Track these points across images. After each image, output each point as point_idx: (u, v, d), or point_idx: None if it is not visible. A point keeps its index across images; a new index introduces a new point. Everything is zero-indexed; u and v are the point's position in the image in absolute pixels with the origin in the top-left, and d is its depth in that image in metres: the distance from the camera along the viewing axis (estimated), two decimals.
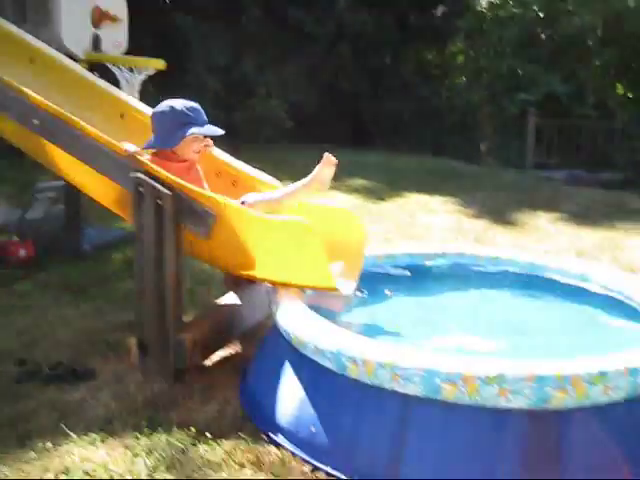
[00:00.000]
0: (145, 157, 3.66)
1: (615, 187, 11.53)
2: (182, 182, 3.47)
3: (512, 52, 16.83)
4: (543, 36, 16.71)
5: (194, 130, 3.71)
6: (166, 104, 3.77)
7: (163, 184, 3.44)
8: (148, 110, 4.28)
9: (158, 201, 3.42)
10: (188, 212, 3.44)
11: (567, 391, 2.53)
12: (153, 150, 3.81)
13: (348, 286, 3.56)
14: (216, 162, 4.18)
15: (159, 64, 7.49)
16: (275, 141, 13.60)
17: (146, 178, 3.46)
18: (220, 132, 3.77)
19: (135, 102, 4.65)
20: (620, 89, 17.18)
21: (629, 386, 2.63)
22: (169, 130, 3.72)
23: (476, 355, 3.02)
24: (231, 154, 4.30)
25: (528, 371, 2.53)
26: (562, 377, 2.52)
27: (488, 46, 17.65)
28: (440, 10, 19.17)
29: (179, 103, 3.75)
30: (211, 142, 3.95)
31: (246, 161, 4.29)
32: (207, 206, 3.42)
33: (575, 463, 2.63)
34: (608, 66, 16.41)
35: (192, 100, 3.80)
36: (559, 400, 2.54)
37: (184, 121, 3.71)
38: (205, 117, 3.79)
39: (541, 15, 16.59)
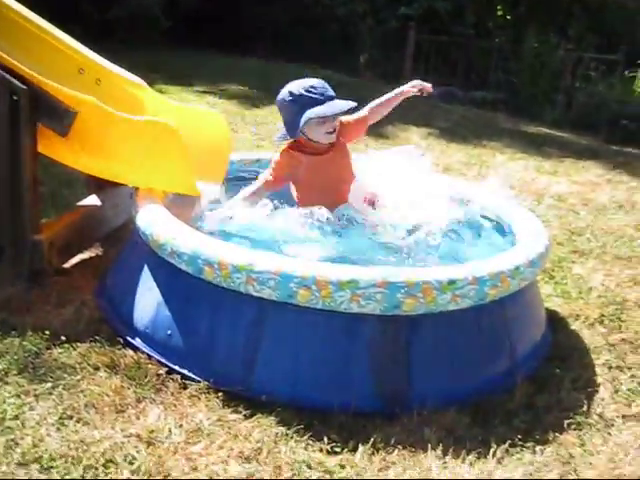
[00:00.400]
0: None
1: (488, 106, 11.81)
2: (40, 77, 3.29)
3: None
4: None
5: (308, 114, 3.34)
6: (285, 89, 3.47)
7: (19, 77, 3.25)
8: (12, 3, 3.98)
9: (13, 96, 3.24)
10: (46, 109, 3.27)
11: (417, 298, 2.63)
12: (288, 143, 3.57)
13: (211, 189, 3.52)
14: (80, 58, 3.98)
15: None
16: (151, 42, 13.09)
17: (0, 71, 3.26)
18: (342, 107, 3.39)
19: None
20: (499, 10, 17.41)
21: (476, 294, 2.75)
22: (292, 118, 3.42)
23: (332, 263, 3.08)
24: (106, 55, 4.10)
25: (380, 277, 2.60)
26: (413, 284, 2.61)
27: None
28: None
29: (297, 85, 3.43)
30: (335, 124, 3.48)
31: (121, 62, 4.12)
32: (67, 104, 3.26)
33: (423, 367, 2.77)
34: None
35: None
36: (409, 306, 2.64)
37: (304, 103, 3.36)
38: (330, 92, 3.43)
39: None
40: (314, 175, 3.51)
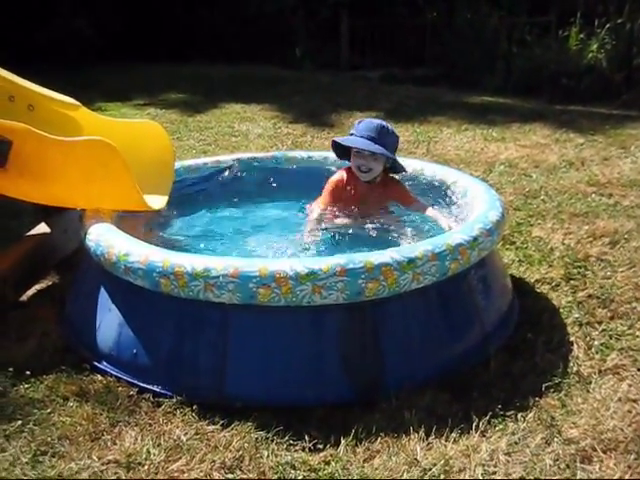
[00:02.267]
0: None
1: (428, 82, 11.82)
2: None
3: None
4: None
5: (334, 139, 3.84)
6: None
7: None
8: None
9: None
10: None
11: (379, 281, 2.60)
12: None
13: (159, 201, 3.47)
14: (8, 85, 3.88)
15: None
16: (84, 62, 12.91)
17: None
18: (353, 142, 3.64)
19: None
20: None
21: (437, 270, 2.74)
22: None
23: (287, 257, 3.06)
24: (37, 79, 4.00)
25: (338, 265, 2.57)
26: (372, 268, 2.59)
27: None
28: None
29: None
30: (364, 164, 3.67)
31: (54, 85, 4.03)
32: (0, 134, 3.18)
33: (394, 351, 2.75)
34: None
35: None
36: (372, 291, 2.61)
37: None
38: (364, 130, 3.61)
39: None
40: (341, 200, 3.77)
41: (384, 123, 3.67)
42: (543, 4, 14.14)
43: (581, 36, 12.13)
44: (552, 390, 2.73)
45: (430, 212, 3.67)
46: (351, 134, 3.68)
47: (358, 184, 3.74)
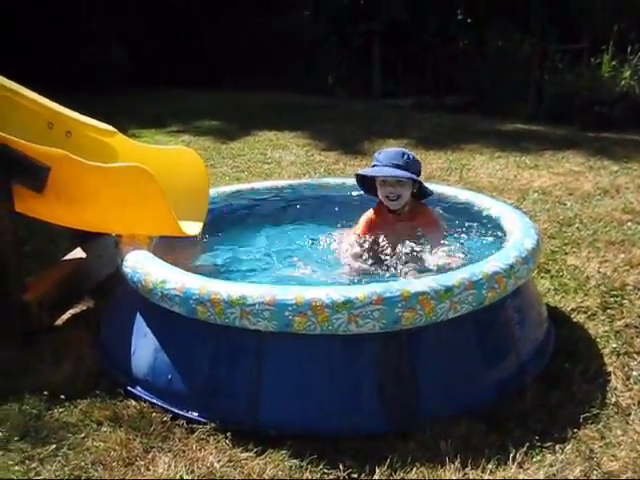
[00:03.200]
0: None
1: (460, 110, 11.81)
2: (9, 137, 3.24)
3: None
4: None
5: (358, 172, 3.84)
6: None
7: None
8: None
9: None
10: (18, 168, 3.23)
11: (415, 310, 2.58)
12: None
13: (195, 227, 3.48)
14: (47, 113, 3.95)
15: None
16: (118, 88, 13.09)
17: None
18: (379, 172, 3.60)
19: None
20: (460, 15, 17.52)
21: (474, 299, 2.71)
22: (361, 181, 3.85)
23: (322, 285, 3.05)
24: (73, 106, 4.06)
25: (375, 294, 2.55)
26: (409, 297, 2.57)
27: None
28: None
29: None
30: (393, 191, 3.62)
31: (90, 112, 4.08)
32: (38, 159, 3.22)
33: (431, 380, 2.72)
34: None
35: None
36: (409, 320, 2.59)
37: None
38: (386, 159, 3.60)
39: None
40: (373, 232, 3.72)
41: (405, 150, 3.68)
42: (575, 31, 14.12)
43: (613, 63, 12.09)
44: (590, 421, 2.68)
45: (436, 254, 3.55)
46: (373, 165, 3.67)
47: (388, 217, 3.72)
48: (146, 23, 14.99)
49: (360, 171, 3.86)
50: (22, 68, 7.87)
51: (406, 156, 3.60)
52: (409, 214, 3.71)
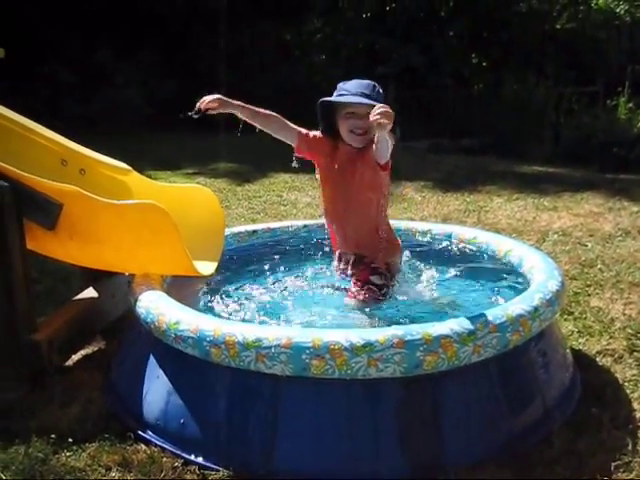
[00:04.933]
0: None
1: (476, 153, 11.81)
2: (21, 173, 3.20)
3: (368, 27, 16.96)
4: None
5: (323, 99, 3.37)
6: None
7: (0, 175, 3.17)
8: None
9: None
10: (30, 204, 3.18)
11: (437, 354, 2.48)
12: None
13: (209, 267, 3.41)
14: (61, 150, 3.92)
15: None
16: (135, 129, 13.18)
17: None
18: (358, 101, 3.20)
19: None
20: (474, 58, 17.64)
21: (498, 342, 2.61)
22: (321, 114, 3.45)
23: (339, 328, 2.95)
24: (90, 146, 4.04)
25: (396, 337, 2.46)
26: (431, 340, 2.47)
27: (344, 23, 17.72)
28: None
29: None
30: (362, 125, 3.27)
31: (106, 151, 4.05)
32: (51, 196, 3.17)
33: (454, 426, 2.61)
34: (462, 36, 16.78)
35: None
36: (431, 364, 2.49)
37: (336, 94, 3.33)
38: (356, 88, 3.26)
39: None
40: (330, 171, 3.47)
41: (374, 82, 3.32)
42: (590, 74, 14.16)
43: (630, 105, 12.08)
44: (622, 470, 2.56)
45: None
46: (340, 95, 3.29)
47: (345, 155, 3.42)
48: (164, 66, 15.15)
49: (327, 98, 3.36)
50: (37, 107, 7.92)
51: (377, 88, 3.28)
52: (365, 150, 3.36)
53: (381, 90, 3.32)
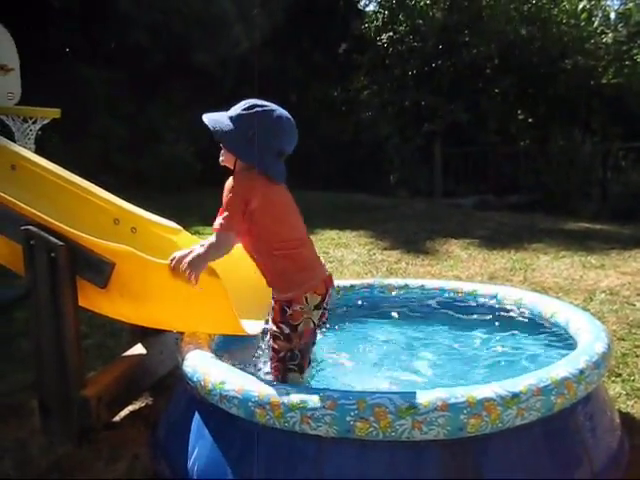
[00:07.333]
0: None
1: (523, 209, 11.78)
2: (76, 232, 3.31)
3: (415, 85, 17.16)
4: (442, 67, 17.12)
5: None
6: None
7: (55, 235, 3.28)
8: (41, 160, 4.14)
9: (51, 254, 3.26)
10: (83, 263, 3.28)
11: (481, 417, 2.48)
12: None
13: (256, 326, 3.45)
14: (114, 209, 4.05)
15: (54, 113, 7.31)
16: (185, 186, 13.42)
17: (37, 230, 3.29)
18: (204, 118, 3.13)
19: (27, 152, 4.44)
20: (520, 114, 17.68)
21: (542, 405, 2.60)
22: None
23: (389, 387, 2.97)
24: (140, 202, 4.16)
25: (440, 400, 2.47)
26: (475, 403, 2.47)
27: (391, 80, 17.95)
28: (343, 47, 19.52)
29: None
30: None
31: (156, 206, 4.17)
32: (103, 255, 3.27)
33: None
34: (507, 93, 16.87)
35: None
36: (475, 427, 2.48)
37: None
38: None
39: (439, 47, 16.99)
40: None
41: (255, 101, 3.09)
42: (637, 129, 14.08)
43: None
44: None
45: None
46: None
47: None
48: None
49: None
50: (89, 163, 8.12)
51: (250, 106, 3.05)
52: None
53: (259, 110, 3.10)
